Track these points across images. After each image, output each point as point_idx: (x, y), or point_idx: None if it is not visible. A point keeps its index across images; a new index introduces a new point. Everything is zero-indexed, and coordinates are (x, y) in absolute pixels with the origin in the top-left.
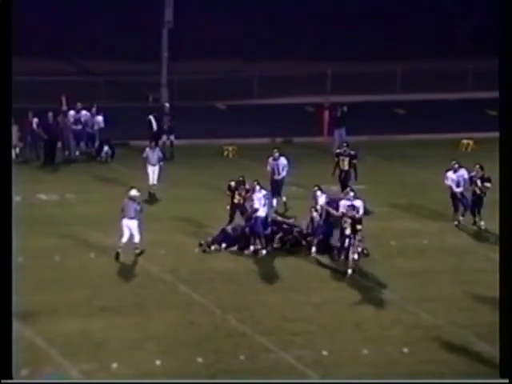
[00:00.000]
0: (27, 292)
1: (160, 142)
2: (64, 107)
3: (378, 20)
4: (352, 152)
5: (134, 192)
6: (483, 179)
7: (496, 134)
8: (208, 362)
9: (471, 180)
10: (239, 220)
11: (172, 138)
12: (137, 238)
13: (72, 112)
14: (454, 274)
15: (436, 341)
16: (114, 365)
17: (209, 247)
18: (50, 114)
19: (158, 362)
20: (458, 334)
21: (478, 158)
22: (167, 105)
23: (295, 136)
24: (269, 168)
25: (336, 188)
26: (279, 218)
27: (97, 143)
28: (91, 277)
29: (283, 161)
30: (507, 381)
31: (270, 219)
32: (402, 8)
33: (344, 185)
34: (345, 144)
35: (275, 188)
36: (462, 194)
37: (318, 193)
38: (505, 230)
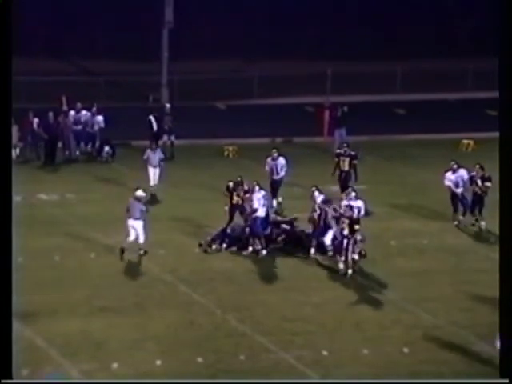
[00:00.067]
0: (27, 292)
1: (160, 142)
2: (64, 107)
3: (378, 20)
4: (352, 152)
5: (139, 192)
6: (483, 179)
7: (496, 134)
8: (208, 362)
9: (471, 180)
10: (238, 220)
11: (172, 138)
12: (141, 239)
13: (72, 112)
14: (454, 273)
15: (436, 341)
16: (114, 365)
17: (209, 247)
18: (51, 114)
19: (158, 362)
20: (458, 333)
21: (478, 157)
22: (168, 105)
23: (295, 136)
24: (267, 168)
25: (336, 188)
26: (279, 218)
27: (97, 143)
28: (91, 277)
29: (282, 161)
30: (507, 381)
31: (270, 219)
32: (401, 8)
33: (344, 185)
34: (345, 144)
35: (274, 188)
36: (462, 194)
37: (316, 193)
38: (505, 229)
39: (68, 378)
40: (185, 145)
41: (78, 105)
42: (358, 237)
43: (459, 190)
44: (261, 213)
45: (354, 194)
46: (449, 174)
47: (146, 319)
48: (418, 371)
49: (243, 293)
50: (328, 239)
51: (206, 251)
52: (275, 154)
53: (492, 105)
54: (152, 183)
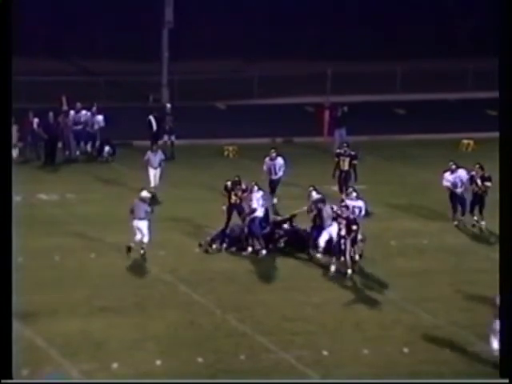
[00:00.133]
0: (27, 292)
1: (161, 142)
2: (64, 107)
3: (378, 20)
4: (352, 152)
5: (144, 193)
6: (483, 178)
7: (496, 134)
8: (208, 362)
9: (471, 180)
10: (237, 220)
11: (173, 138)
12: (146, 239)
13: (72, 112)
14: (453, 273)
15: (436, 341)
16: (114, 365)
17: (210, 246)
18: (51, 114)
19: (158, 362)
20: (458, 333)
21: (478, 157)
22: (169, 105)
23: (295, 136)
24: (265, 168)
25: (336, 188)
26: (279, 218)
27: (98, 143)
28: (91, 277)
29: (280, 161)
30: (507, 381)
31: (270, 220)
32: (402, 8)
33: (344, 185)
34: (345, 144)
35: (272, 188)
36: (461, 194)
37: (313, 193)
38: (505, 229)
39: (68, 378)
40: (185, 145)
41: (78, 105)
42: (359, 236)
43: (459, 190)
44: (259, 213)
45: (355, 194)
46: (447, 175)
47: (146, 319)
48: (417, 371)
49: (243, 293)
50: (322, 241)
51: (206, 251)
52: (273, 154)
53: (492, 105)
54: (153, 184)
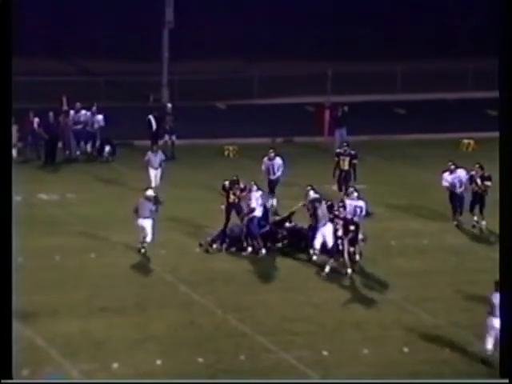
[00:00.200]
0: (27, 292)
1: (161, 142)
2: (65, 107)
3: (378, 20)
4: (352, 152)
5: (150, 192)
6: (483, 178)
7: (496, 134)
8: (208, 362)
9: (471, 179)
10: (235, 220)
11: (174, 138)
12: (148, 238)
13: (72, 112)
14: (454, 273)
15: (436, 341)
16: (114, 365)
17: (210, 246)
18: (51, 114)
19: (158, 362)
20: (458, 333)
21: (479, 157)
22: (169, 105)
23: (295, 136)
24: (263, 168)
25: (336, 188)
26: (278, 218)
27: (98, 143)
28: (91, 277)
29: (278, 161)
30: (507, 381)
31: (270, 220)
32: (401, 8)
33: (344, 185)
34: (345, 144)
35: (271, 188)
36: (461, 194)
37: (311, 192)
38: (505, 229)
39: (68, 378)
40: (185, 145)
41: (78, 104)
42: (360, 236)
43: (459, 190)
44: (258, 212)
45: (356, 193)
46: (446, 175)
47: (146, 319)
48: (417, 371)
49: (243, 293)
50: (317, 243)
51: (207, 251)
52: (272, 154)
53: (492, 105)
54: (153, 185)
